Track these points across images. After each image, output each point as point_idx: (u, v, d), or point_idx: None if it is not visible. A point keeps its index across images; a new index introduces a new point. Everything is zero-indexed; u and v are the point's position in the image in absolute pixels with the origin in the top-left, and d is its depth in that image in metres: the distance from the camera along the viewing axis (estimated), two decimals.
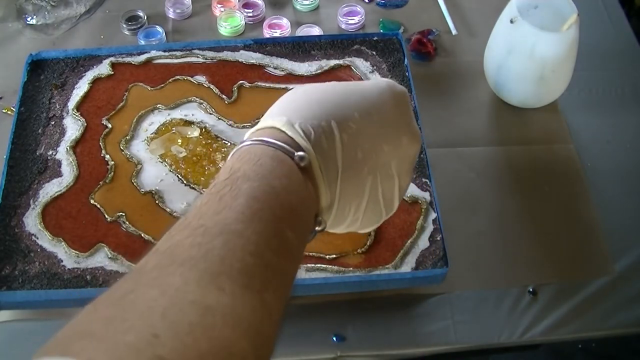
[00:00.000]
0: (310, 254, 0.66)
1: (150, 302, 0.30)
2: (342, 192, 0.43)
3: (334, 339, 0.69)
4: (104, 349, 0.27)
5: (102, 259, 0.66)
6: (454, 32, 0.95)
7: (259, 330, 0.32)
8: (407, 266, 0.65)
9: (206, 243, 0.34)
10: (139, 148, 0.74)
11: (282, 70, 0.79)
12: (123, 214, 0.68)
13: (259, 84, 0.78)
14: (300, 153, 0.40)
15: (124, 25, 0.94)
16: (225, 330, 0.30)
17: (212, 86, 0.78)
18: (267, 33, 0.93)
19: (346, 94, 0.45)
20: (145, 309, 0.30)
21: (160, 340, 0.28)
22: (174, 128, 0.74)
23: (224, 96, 0.77)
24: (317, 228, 0.44)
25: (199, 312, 0.30)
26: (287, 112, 0.42)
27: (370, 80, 0.48)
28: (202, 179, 0.71)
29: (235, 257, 0.34)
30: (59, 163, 0.72)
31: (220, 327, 0.30)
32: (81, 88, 0.78)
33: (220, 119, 0.76)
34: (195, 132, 0.73)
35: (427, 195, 0.70)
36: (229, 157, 0.42)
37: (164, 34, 0.93)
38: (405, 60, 0.80)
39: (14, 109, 0.77)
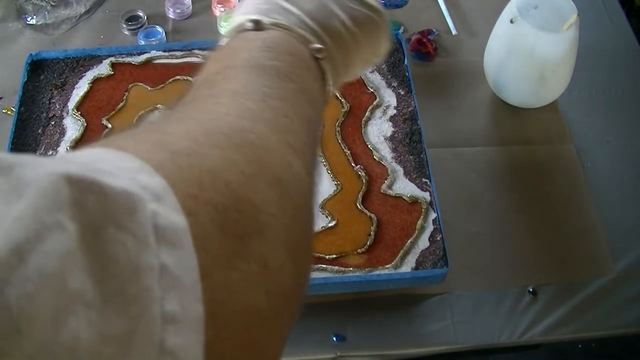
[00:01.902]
0: None
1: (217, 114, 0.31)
2: (339, 74, 0.43)
3: (334, 339, 0.69)
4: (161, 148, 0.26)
5: None
6: (454, 32, 0.95)
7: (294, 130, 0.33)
8: (407, 266, 0.65)
9: (253, 79, 0.35)
10: None
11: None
12: None
13: None
14: (316, 45, 0.39)
15: (124, 25, 0.94)
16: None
17: None
18: None
19: None
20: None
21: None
22: None
23: None
24: (319, 55, 0.42)
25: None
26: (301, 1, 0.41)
27: None
28: None
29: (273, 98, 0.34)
30: None
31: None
32: (81, 88, 0.78)
33: None
34: None
35: (427, 195, 0.70)
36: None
37: (164, 34, 0.93)
38: (405, 60, 0.80)
39: (14, 109, 0.77)
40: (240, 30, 0.39)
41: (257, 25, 0.39)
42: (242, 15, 0.40)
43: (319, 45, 0.39)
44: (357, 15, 0.44)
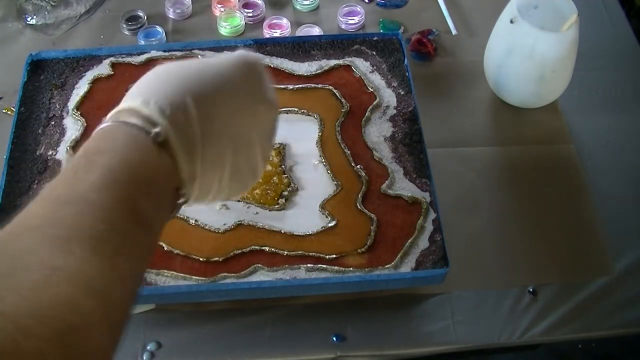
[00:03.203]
0: (310, 254, 0.66)
1: None
2: (203, 163, 0.44)
3: (334, 339, 0.69)
4: None
5: None
6: (454, 32, 0.95)
7: (107, 293, 0.33)
8: (407, 266, 0.65)
9: (58, 210, 0.36)
10: None
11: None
12: None
13: None
14: (156, 129, 0.41)
15: (124, 25, 0.94)
16: (69, 288, 0.31)
17: None
18: (267, 33, 0.93)
19: (201, 70, 0.47)
20: None
21: (1, 295, 0.29)
22: None
23: None
24: (179, 201, 0.45)
25: (45, 272, 0.31)
26: (144, 91, 0.44)
27: (225, 54, 0.50)
28: None
29: (86, 224, 0.35)
30: (59, 163, 0.72)
31: (64, 285, 0.31)
32: (81, 88, 0.78)
33: None
34: None
35: (427, 195, 0.70)
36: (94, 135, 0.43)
37: (164, 34, 0.93)
38: (405, 60, 0.80)
39: (14, 109, 0.77)
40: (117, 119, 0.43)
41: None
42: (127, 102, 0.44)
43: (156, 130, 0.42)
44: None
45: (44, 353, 0.28)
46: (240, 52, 0.50)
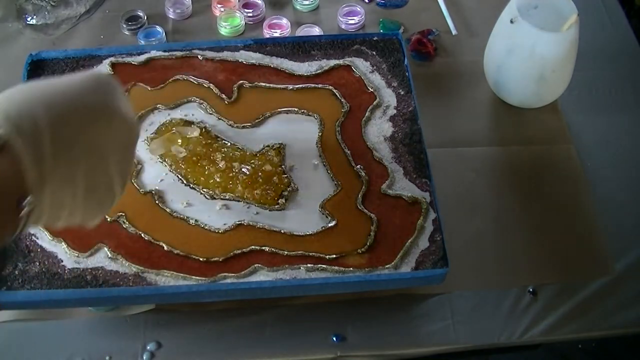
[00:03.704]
0: (310, 254, 0.66)
1: None
2: (53, 173, 0.44)
3: (334, 339, 0.69)
4: None
5: (102, 259, 0.66)
6: (454, 32, 0.95)
7: None
8: (407, 266, 0.65)
9: None
10: (139, 148, 0.74)
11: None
12: (123, 214, 0.68)
13: (259, 84, 0.78)
14: (1, 132, 0.41)
15: (124, 25, 0.94)
16: None
17: (212, 86, 0.78)
18: (267, 33, 0.93)
19: (53, 83, 0.47)
20: None
21: None
22: (174, 128, 0.74)
23: (224, 96, 0.77)
24: (24, 211, 0.43)
25: None
26: None
27: (77, 73, 0.50)
28: (202, 179, 0.71)
29: None
30: None
31: None
32: None
33: (220, 119, 0.76)
34: (195, 132, 0.73)
35: (427, 195, 0.70)
36: None
37: (164, 34, 0.93)
38: (405, 60, 0.80)
39: None
40: None
41: None
42: None
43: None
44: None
45: None
46: (94, 71, 0.51)
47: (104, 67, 0.80)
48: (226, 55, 0.81)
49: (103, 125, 0.47)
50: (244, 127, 0.75)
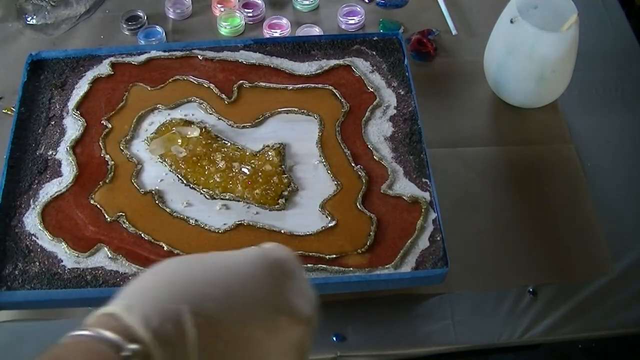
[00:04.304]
0: (310, 254, 0.66)
1: None
2: None
3: (334, 339, 0.69)
4: None
5: (102, 259, 0.66)
6: (454, 32, 0.95)
7: None
8: (407, 266, 0.65)
9: None
10: (139, 148, 0.74)
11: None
12: (123, 214, 0.68)
13: (259, 84, 0.78)
14: (132, 346, 0.33)
15: (124, 25, 0.94)
16: None
17: (212, 86, 0.78)
18: (267, 33, 0.93)
19: (206, 269, 0.38)
20: None
21: None
22: (174, 128, 0.74)
23: (224, 96, 0.77)
24: None
25: None
26: (133, 292, 0.37)
27: (242, 250, 0.41)
28: (202, 179, 0.71)
29: None
30: (59, 163, 0.72)
31: None
32: (81, 88, 0.78)
33: (220, 119, 0.76)
34: (195, 132, 0.73)
35: (427, 195, 0.70)
36: (61, 341, 0.35)
37: (164, 34, 0.93)
38: (405, 60, 0.80)
39: (14, 109, 0.77)
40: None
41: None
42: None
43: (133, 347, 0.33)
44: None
45: None
46: (262, 248, 0.41)
47: (104, 67, 0.80)
48: (226, 55, 0.81)
49: (265, 326, 0.38)
50: (244, 127, 0.75)
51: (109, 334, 0.34)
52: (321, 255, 0.66)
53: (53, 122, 0.76)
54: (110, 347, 0.33)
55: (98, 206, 0.69)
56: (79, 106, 0.76)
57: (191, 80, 0.78)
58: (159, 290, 0.36)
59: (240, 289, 0.38)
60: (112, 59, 0.80)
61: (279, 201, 0.69)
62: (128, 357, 0.33)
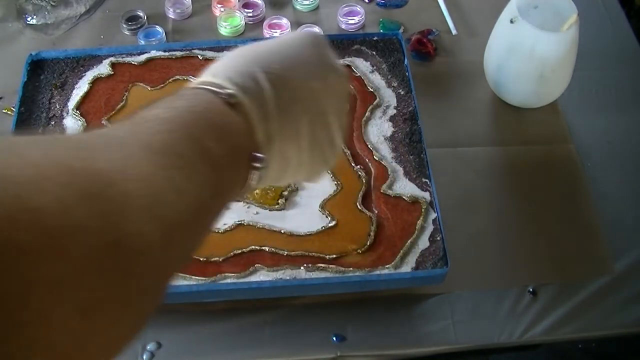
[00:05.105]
0: (310, 254, 0.66)
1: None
2: (279, 130, 0.44)
3: (334, 339, 0.69)
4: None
5: None
6: (454, 32, 0.95)
7: (156, 187, 0.33)
8: (407, 266, 0.65)
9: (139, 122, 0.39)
10: None
11: None
12: None
13: None
14: (228, 90, 0.42)
15: (124, 25, 0.94)
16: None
17: None
18: (267, 33, 0.93)
19: (267, 44, 0.48)
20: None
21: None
22: None
23: None
24: (257, 165, 0.44)
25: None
26: (212, 69, 0.45)
27: (287, 34, 0.51)
28: None
29: (149, 135, 0.36)
30: None
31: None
32: (81, 88, 0.78)
33: None
34: None
35: (427, 195, 0.70)
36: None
37: (164, 34, 0.93)
38: (405, 60, 0.80)
39: (14, 109, 0.77)
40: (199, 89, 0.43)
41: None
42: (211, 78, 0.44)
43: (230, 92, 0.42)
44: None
45: (66, 203, 0.27)
46: (303, 29, 0.50)
47: (104, 67, 0.80)
48: None
49: (319, 81, 0.48)
50: None
51: (206, 86, 0.42)
52: (321, 255, 0.66)
53: (53, 122, 0.76)
54: (209, 92, 0.42)
55: None
56: (79, 106, 0.76)
57: (191, 80, 0.78)
58: (234, 62, 0.45)
59: (296, 55, 0.47)
60: (112, 59, 0.80)
61: (279, 201, 0.69)
62: (228, 96, 0.42)
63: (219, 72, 0.44)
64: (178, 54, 0.80)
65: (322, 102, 0.48)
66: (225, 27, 0.93)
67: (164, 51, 0.81)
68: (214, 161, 0.38)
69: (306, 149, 0.47)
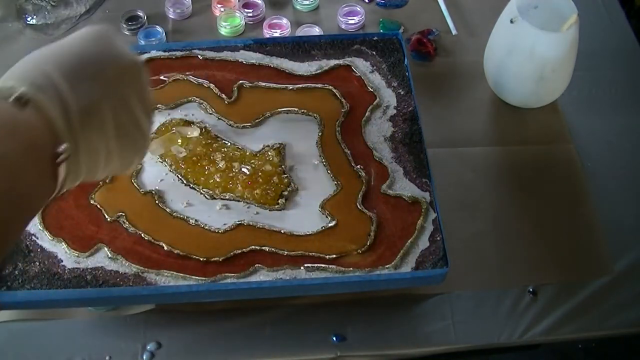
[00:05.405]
0: (311, 254, 0.66)
1: None
2: (80, 120, 0.45)
3: (334, 339, 0.69)
4: None
5: (102, 259, 0.66)
6: (454, 32, 0.95)
7: None
8: (407, 266, 0.65)
9: None
10: None
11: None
12: (123, 214, 0.68)
13: (259, 84, 0.78)
14: (21, 90, 0.43)
15: (124, 25, 0.94)
16: None
17: (212, 86, 0.78)
18: (267, 33, 0.93)
19: (58, 44, 0.50)
20: None
21: None
22: (174, 128, 0.74)
23: (224, 96, 0.77)
24: (62, 156, 0.45)
25: None
26: (6, 74, 0.47)
27: (77, 30, 0.53)
28: (202, 179, 0.71)
29: None
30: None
31: None
32: None
33: (220, 119, 0.76)
34: (195, 132, 0.73)
35: (427, 195, 0.70)
36: None
37: (164, 34, 0.93)
38: (405, 60, 0.80)
39: None
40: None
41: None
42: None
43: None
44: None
45: None
46: (87, 26, 0.53)
47: None
48: (226, 55, 0.81)
49: (113, 68, 0.50)
50: (244, 127, 0.75)
51: None
52: (321, 255, 0.66)
53: None
54: None
55: (98, 206, 0.69)
56: None
57: (191, 80, 0.78)
58: (25, 64, 0.47)
59: (86, 48, 0.49)
60: None
61: (279, 201, 0.69)
62: (17, 98, 0.43)
63: (10, 76, 0.45)
64: (178, 54, 0.80)
65: (121, 88, 0.49)
66: (225, 27, 0.94)
67: (164, 51, 0.81)
68: (1, 159, 0.40)
69: (113, 136, 0.48)
